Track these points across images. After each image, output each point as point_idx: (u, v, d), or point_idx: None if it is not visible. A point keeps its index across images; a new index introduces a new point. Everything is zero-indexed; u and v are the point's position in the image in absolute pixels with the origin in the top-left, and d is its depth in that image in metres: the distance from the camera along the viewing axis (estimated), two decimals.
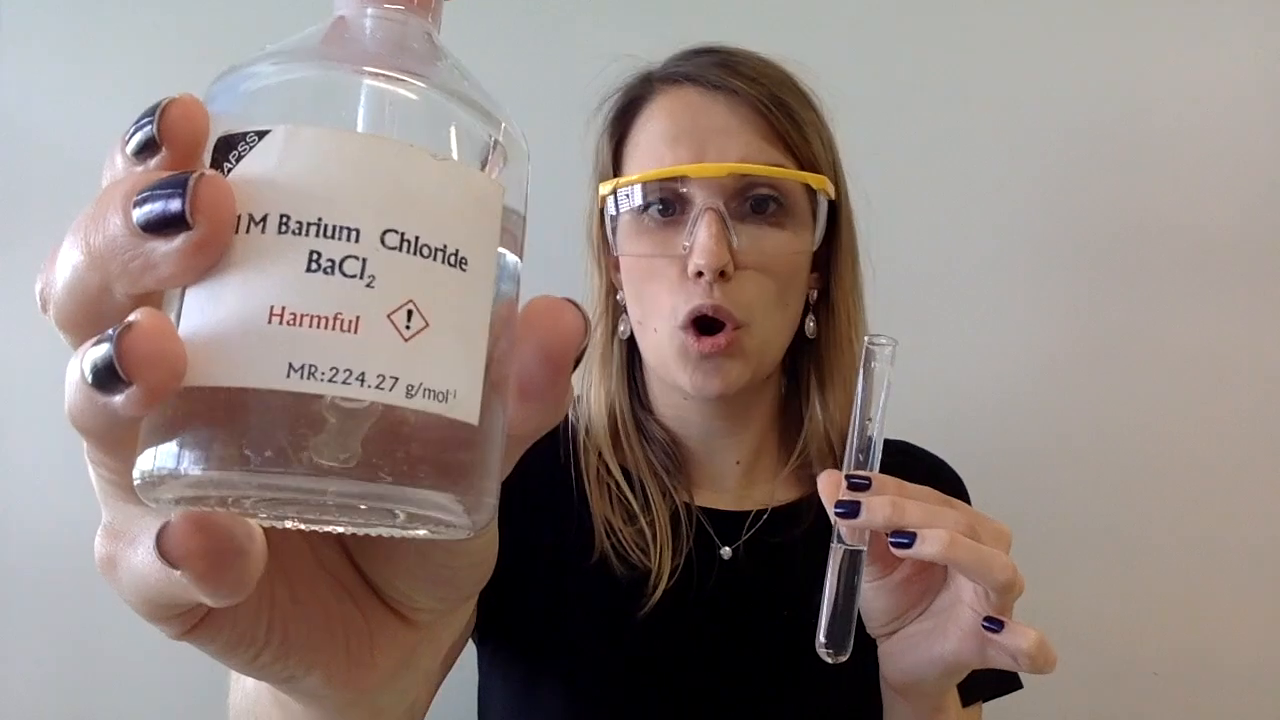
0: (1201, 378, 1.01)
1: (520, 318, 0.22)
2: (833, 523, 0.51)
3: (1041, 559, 1.00)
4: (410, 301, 0.19)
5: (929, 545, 0.48)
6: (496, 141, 0.22)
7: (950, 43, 1.05)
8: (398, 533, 0.21)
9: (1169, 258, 1.02)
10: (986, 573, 0.48)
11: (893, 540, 0.50)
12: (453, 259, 0.20)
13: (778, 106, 0.65)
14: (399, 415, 0.19)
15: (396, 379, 0.18)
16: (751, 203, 0.64)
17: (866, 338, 0.53)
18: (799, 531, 0.71)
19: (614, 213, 0.67)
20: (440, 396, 0.19)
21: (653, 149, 0.66)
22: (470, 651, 0.73)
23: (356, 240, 0.19)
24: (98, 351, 0.17)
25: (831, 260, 0.71)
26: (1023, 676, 0.70)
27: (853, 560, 0.51)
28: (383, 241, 0.19)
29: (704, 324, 0.64)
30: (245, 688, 0.31)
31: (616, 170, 0.70)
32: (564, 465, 0.72)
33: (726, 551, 0.70)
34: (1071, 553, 0.99)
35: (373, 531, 0.21)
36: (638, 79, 0.70)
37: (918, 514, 0.49)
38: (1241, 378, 1.01)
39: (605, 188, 0.67)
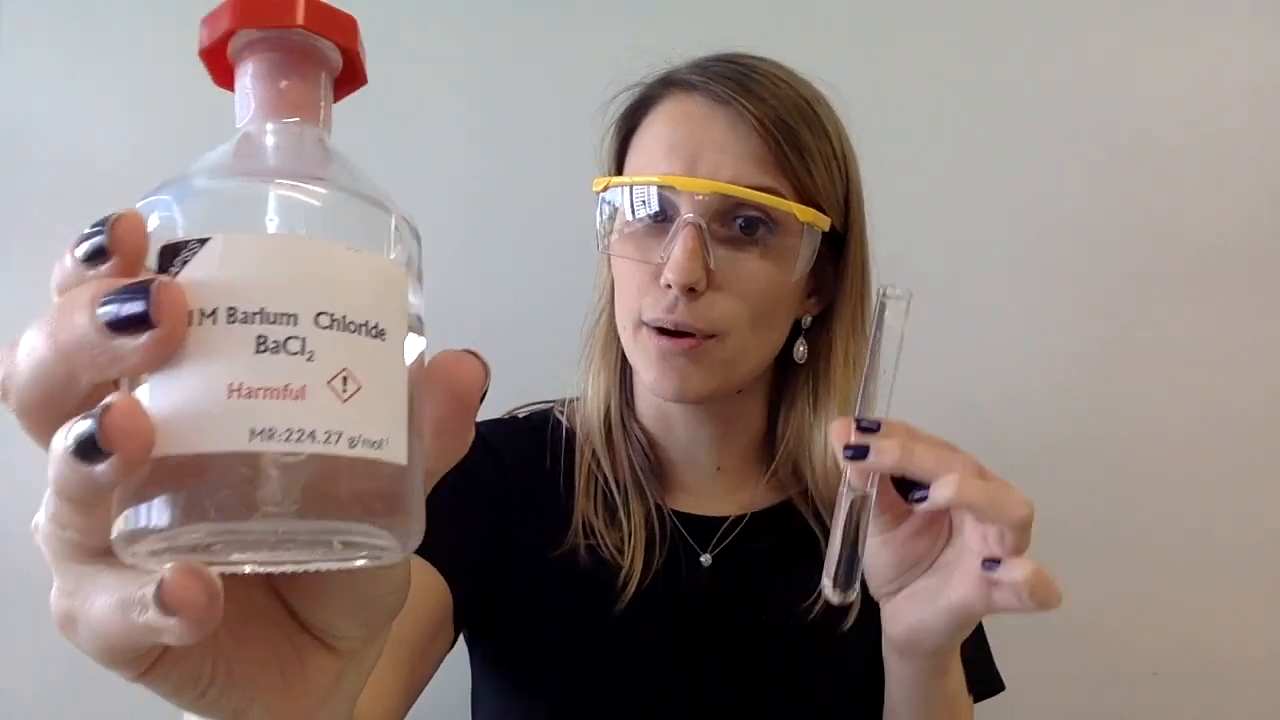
0: (1202, 378, 1.01)
1: (429, 368, 0.26)
2: (841, 467, 0.51)
3: (1042, 559, 0.99)
4: (345, 369, 0.23)
5: (942, 490, 0.47)
6: (392, 228, 0.26)
7: (953, 42, 1.05)
8: (340, 565, 0.25)
9: (1171, 258, 1.02)
10: (1001, 510, 0.47)
11: (911, 497, 0.49)
12: (373, 331, 0.24)
13: (781, 130, 0.63)
14: (337, 462, 0.22)
15: (340, 434, 0.22)
16: (741, 224, 0.63)
17: (882, 288, 0.51)
18: (777, 538, 0.71)
19: (606, 210, 0.67)
20: (375, 444, 0.23)
21: (649, 153, 0.66)
22: (465, 654, 0.73)
23: (295, 323, 0.22)
24: (81, 426, 0.21)
25: (836, 292, 0.69)
26: (1020, 676, 0.70)
27: (861, 505, 0.51)
28: (316, 322, 0.23)
29: (666, 333, 0.64)
30: None
31: (620, 166, 0.70)
32: (550, 466, 0.72)
33: (707, 559, 0.71)
34: (1071, 553, 0.99)
35: (320, 567, 0.24)
36: (654, 78, 0.69)
37: (926, 457, 0.49)
38: (1242, 379, 1.01)
39: (599, 184, 0.68)
